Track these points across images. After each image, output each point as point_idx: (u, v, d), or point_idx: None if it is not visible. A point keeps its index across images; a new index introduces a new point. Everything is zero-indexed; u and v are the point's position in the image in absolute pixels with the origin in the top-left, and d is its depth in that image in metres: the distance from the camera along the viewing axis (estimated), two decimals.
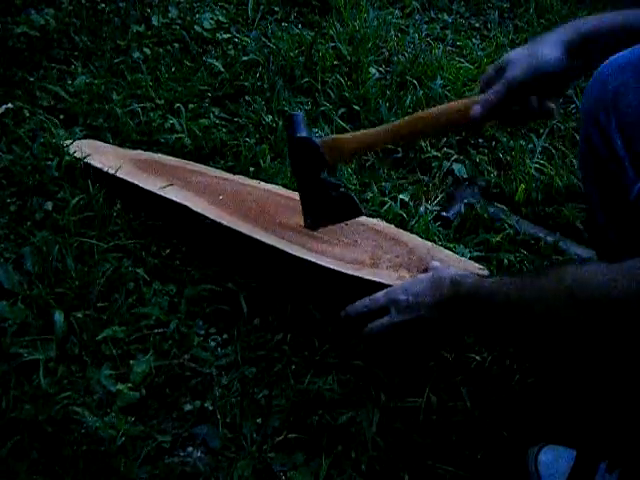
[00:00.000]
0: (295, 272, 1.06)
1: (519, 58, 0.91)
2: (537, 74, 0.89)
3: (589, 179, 0.91)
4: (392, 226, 1.21)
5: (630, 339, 0.65)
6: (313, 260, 1.03)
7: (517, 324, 0.79)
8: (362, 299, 0.99)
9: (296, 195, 1.14)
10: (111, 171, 1.23)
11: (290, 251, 1.04)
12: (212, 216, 1.11)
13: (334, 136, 1.10)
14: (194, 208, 1.12)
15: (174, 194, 1.16)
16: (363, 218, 1.20)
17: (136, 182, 1.20)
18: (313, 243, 1.10)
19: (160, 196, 1.16)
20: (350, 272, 1.01)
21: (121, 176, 1.22)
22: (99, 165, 1.24)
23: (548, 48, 0.89)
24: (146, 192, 1.18)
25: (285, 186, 1.33)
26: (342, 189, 1.09)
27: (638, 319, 0.62)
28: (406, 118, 1.04)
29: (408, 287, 0.94)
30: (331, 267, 1.02)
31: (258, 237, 1.07)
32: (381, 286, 0.99)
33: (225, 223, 1.10)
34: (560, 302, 0.69)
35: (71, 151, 1.34)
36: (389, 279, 1.01)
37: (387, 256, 1.09)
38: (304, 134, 1.06)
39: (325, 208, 1.10)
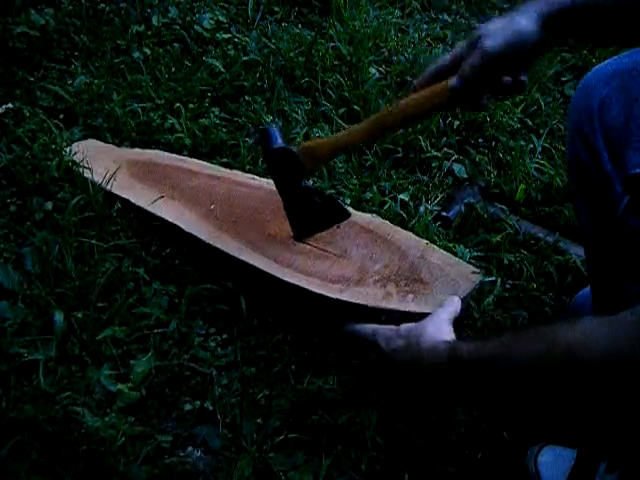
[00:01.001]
0: (281, 292, 1.07)
1: (494, 30, 0.88)
2: (513, 46, 0.86)
3: (576, 188, 0.90)
4: (386, 223, 1.21)
5: (634, 400, 0.62)
6: (296, 283, 1.04)
7: (504, 392, 0.72)
8: (358, 325, 0.96)
9: None
10: (105, 184, 1.27)
11: (274, 273, 1.06)
12: (202, 236, 1.14)
13: (308, 142, 1.09)
14: (184, 228, 1.16)
15: (165, 211, 1.21)
16: (357, 217, 1.20)
17: (130, 198, 1.25)
18: (300, 259, 1.10)
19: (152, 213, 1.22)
20: (333, 296, 1.02)
21: (115, 192, 1.26)
22: (96, 179, 1.28)
23: (524, 20, 0.86)
24: (139, 208, 1.23)
25: None
26: (325, 194, 1.10)
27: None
28: (379, 114, 1.01)
29: (390, 338, 0.88)
30: (314, 291, 1.03)
31: (244, 259, 1.09)
32: (365, 308, 1.00)
33: (214, 244, 1.12)
34: (557, 369, 0.64)
35: (71, 152, 1.34)
36: (374, 300, 1.02)
37: (376, 267, 1.09)
38: (282, 145, 1.06)
39: (311, 216, 1.10)
